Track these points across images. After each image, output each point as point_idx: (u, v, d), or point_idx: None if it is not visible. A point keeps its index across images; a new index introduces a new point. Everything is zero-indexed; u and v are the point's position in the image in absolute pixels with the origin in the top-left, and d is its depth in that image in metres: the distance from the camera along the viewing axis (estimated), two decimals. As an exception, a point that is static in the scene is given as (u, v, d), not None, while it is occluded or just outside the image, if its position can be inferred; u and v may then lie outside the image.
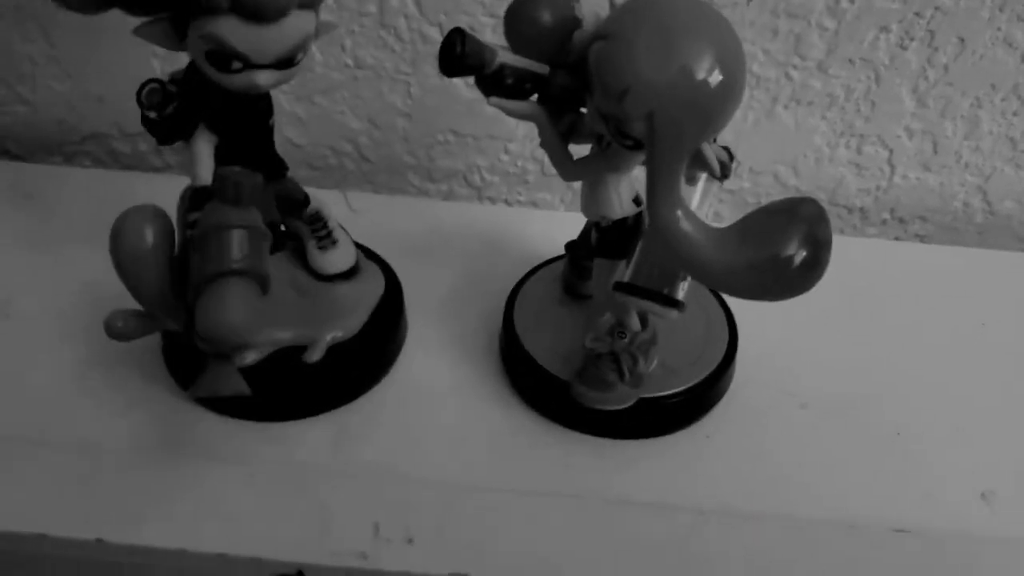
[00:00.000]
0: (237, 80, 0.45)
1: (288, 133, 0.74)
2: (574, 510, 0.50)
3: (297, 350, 0.49)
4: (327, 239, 0.57)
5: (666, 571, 0.48)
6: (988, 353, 0.62)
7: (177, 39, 0.45)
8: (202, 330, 0.43)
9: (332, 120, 0.74)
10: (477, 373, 0.58)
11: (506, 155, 0.75)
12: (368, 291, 0.58)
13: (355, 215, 0.69)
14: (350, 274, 0.58)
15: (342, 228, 0.59)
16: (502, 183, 0.77)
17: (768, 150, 0.73)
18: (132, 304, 0.46)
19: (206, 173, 0.48)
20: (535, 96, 0.47)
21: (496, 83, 0.45)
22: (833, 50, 0.68)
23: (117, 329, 0.46)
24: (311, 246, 0.57)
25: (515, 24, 0.46)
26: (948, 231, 0.78)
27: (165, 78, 0.48)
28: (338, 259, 0.58)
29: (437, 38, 0.68)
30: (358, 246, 0.60)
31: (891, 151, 0.73)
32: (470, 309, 0.62)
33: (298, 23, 0.45)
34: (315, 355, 0.49)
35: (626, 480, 0.52)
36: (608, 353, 0.52)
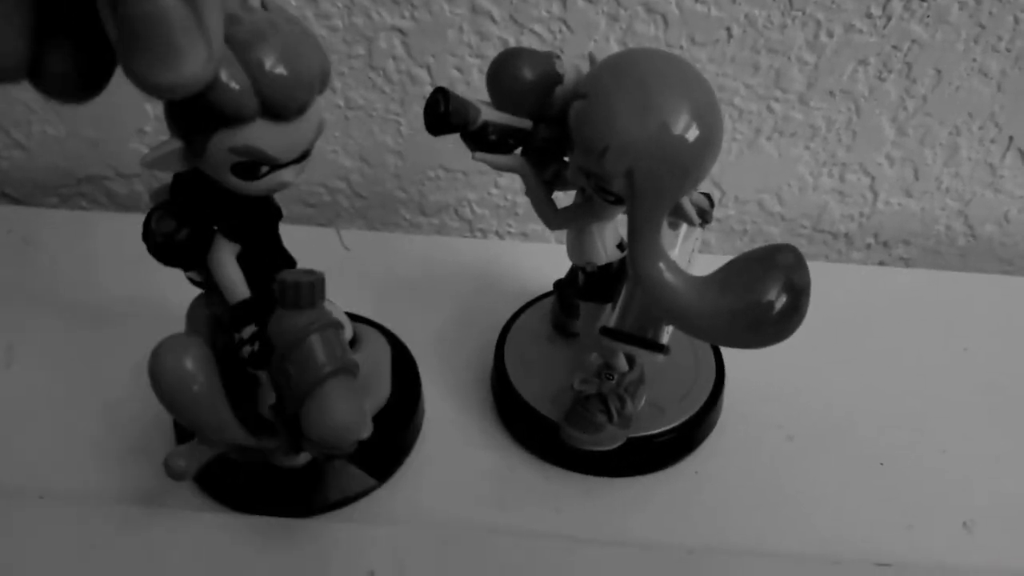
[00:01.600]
0: (263, 184, 0.43)
1: (281, 172, 0.75)
2: (565, 551, 0.51)
3: None
4: None
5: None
6: (971, 378, 0.63)
7: (193, 159, 0.42)
8: (318, 440, 0.43)
9: (325, 159, 0.75)
10: (470, 411, 0.59)
11: (496, 189, 0.76)
12: (378, 359, 0.58)
13: (348, 253, 0.70)
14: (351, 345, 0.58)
15: (333, 304, 0.59)
16: (492, 216, 0.78)
17: (753, 180, 0.75)
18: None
19: (243, 286, 0.46)
20: (519, 149, 0.48)
21: (480, 139, 0.46)
22: (813, 83, 0.69)
23: (180, 469, 0.46)
24: None
25: (498, 81, 0.47)
26: (931, 254, 0.79)
27: (151, 203, 0.46)
28: None
29: (425, 79, 0.69)
30: (349, 315, 0.60)
31: (873, 178, 0.74)
32: (462, 345, 0.63)
33: (316, 110, 0.43)
34: (366, 431, 0.50)
35: (615, 520, 0.53)
36: (596, 394, 0.53)
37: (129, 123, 0.74)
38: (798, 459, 0.57)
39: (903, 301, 0.69)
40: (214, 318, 0.49)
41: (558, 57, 0.46)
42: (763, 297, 0.42)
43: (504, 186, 0.76)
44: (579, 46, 0.67)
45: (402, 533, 0.51)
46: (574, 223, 0.50)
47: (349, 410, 0.44)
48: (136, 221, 0.70)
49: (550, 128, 0.47)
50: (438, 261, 0.70)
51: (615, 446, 0.53)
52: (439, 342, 0.63)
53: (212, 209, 0.44)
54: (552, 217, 0.50)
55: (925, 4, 0.65)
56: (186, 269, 0.47)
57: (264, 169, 0.42)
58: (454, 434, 0.58)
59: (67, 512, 0.51)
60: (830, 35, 0.66)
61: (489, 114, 0.46)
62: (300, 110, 0.41)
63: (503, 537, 0.51)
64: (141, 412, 0.57)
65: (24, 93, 0.72)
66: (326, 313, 0.44)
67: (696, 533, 0.53)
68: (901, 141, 0.72)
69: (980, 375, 0.63)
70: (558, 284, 0.59)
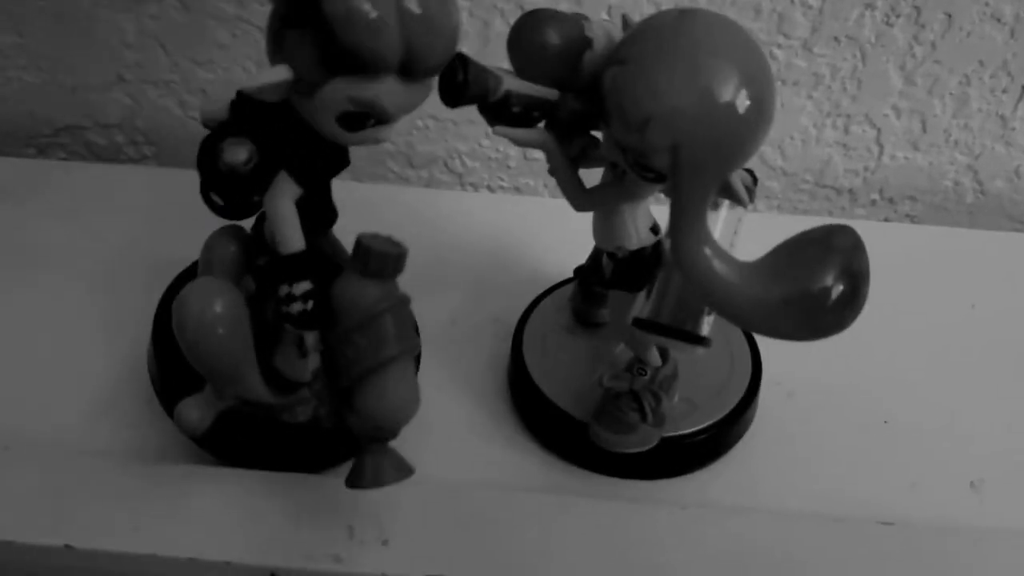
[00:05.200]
0: (358, 136, 0.40)
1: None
2: (556, 506, 0.49)
3: None
4: None
5: (646, 552, 0.47)
6: (978, 336, 0.61)
7: (294, 94, 0.39)
8: (373, 423, 0.42)
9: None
10: (475, 396, 0.56)
11: (487, 140, 0.74)
12: None
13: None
14: None
15: None
16: (483, 169, 0.75)
17: (754, 131, 0.72)
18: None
19: (300, 236, 0.42)
20: (543, 122, 0.44)
21: (502, 111, 0.43)
22: (818, 28, 0.66)
23: (194, 422, 0.44)
24: None
25: (520, 47, 0.43)
26: (938, 211, 0.77)
27: (204, 121, 0.42)
28: None
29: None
30: None
31: (879, 130, 0.72)
32: (459, 315, 0.60)
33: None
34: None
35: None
36: (628, 392, 0.49)
37: (108, 70, 0.72)
38: (799, 416, 0.55)
39: (909, 258, 0.66)
40: (242, 258, 0.45)
41: (587, 19, 0.43)
42: (818, 284, 0.38)
43: (495, 137, 0.73)
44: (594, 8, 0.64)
45: (384, 492, 0.49)
46: (604, 203, 0.47)
47: (407, 396, 0.42)
48: (116, 172, 0.68)
49: (578, 99, 0.43)
50: (428, 216, 0.67)
51: (648, 447, 0.50)
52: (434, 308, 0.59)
53: (288, 148, 0.41)
54: (580, 197, 0.46)
55: (936, -56, 0.62)
56: (232, 203, 0.42)
57: (371, 122, 0.40)
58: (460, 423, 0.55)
59: (31, 462, 0.49)
60: (836, -23, 0.64)
61: (511, 83, 0.42)
62: (436, 71, 0.39)
63: (486, 492, 0.49)
64: (115, 365, 0.55)
65: (-2, 37, 0.70)
66: (398, 291, 0.42)
67: (693, 487, 0.51)
68: (909, 91, 0.69)
69: (987, 333, 0.61)
70: (579, 271, 0.55)
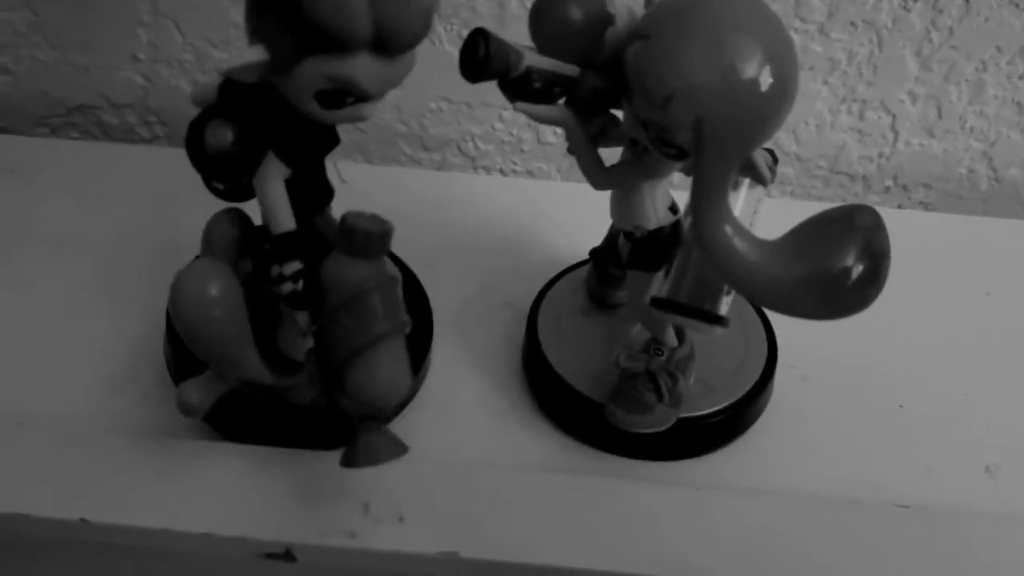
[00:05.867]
0: (340, 115, 0.40)
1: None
2: (569, 487, 0.49)
3: None
4: None
5: (659, 532, 0.47)
6: (993, 323, 0.61)
7: (272, 74, 0.38)
8: (363, 402, 0.42)
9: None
10: (497, 385, 0.55)
11: (500, 123, 0.73)
12: None
13: (345, 186, 0.67)
14: None
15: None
16: (496, 152, 0.75)
17: (768, 117, 0.72)
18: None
19: (290, 216, 0.42)
20: (563, 99, 0.44)
21: (523, 88, 0.42)
22: (834, 13, 0.66)
23: (193, 404, 0.44)
24: None
25: (542, 23, 0.42)
26: (952, 199, 0.76)
27: (194, 102, 0.42)
28: None
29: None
30: None
31: (894, 116, 0.71)
32: (472, 297, 0.60)
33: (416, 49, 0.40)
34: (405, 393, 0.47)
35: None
36: (645, 372, 0.49)
37: (122, 49, 0.71)
38: (814, 399, 0.55)
39: (923, 244, 0.66)
40: (241, 240, 0.45)
41: None
42: (840, 263, 0.38)
43: (509, 120, 0.73)
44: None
45: (398, 467, 0.49)
46: (624, 181, 0.46)
47: (397, 374, 0.42)
48: (129, 153, 0.68)
49: (599, 76, 0.43)
50: (440, 199, 0.67)
51: (665, 427, 0.50)
52: (446, 291, 0.59)
53: (272, 128, 0.40)
54: (600, 175, 0.45)
55: (955, -72, 0.62)
56: (230, 187, 0.43)
57: (350, 100, 0.39)
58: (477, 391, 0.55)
59: (46, 437, 0.49)
60: (854, -39, 0.63)
61: (532, 59, 0.42)
62: (410, 46, 0.38)
63: (500, 471, 0.49)
64: (127, 344, 0.55)
65: (11, 14, 0.70)
66: (386, 268, 0.41)
67: (707, 469, 0.51)
68: (925, 76, 0.69)
69: (1002, 320, 0.61)
70: (594, 252, 0.55)
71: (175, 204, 0.62)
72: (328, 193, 0.46)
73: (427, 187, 0.68)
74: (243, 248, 0.45)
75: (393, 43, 0.37)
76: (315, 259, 0.42)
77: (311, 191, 0.44)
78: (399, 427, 0.52)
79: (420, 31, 0.38)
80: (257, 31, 0.38)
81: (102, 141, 0.76)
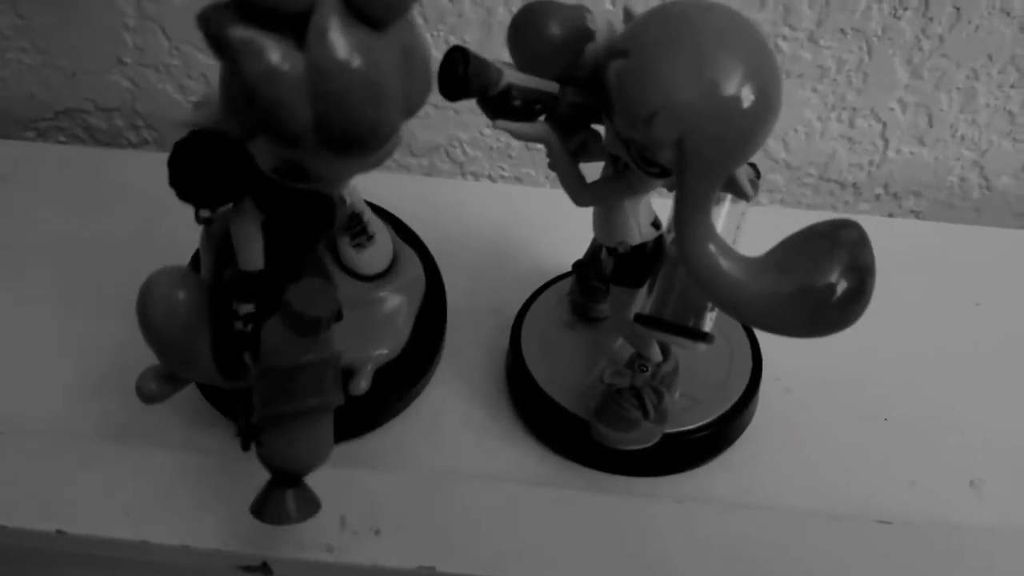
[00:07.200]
0: (303, 186, 0.40)
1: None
2: (553, 499, 0.48)
3: None
4: (362, 235, 0.52)
5: (641, 545, 0.47)
6: (981, 334, 0.60)
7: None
8: (274, 468, 0.41)
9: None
10: (479, 395, 0.55)
11: (488, 129, 0.73)
12: (410, 289, 0.54)
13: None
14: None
15: (376, 217, 0.54)
16: (485, 158, 0.75)
17: (758, 124, 0.71)
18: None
19: (254, 258, 0.42)
20: (543, 116, 0.43)
21: (502, 105, 0.42)
22: (824, 20, 0.65)
23: (150, 392, 0.44)
24: (344, 243, 0.52)
25: (521, 39, 0.42)
26: (943, 207, 0.76)
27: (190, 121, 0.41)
28: (376, 258, 0.53)
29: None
30: (392, 220, 0.55)
31: (884, 124, 0.71)
32: (465, 303, 0.59)
33: (393, 143, 0.39)
34: (362, 385, 0.46)
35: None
36: (629, 388, 0.49)
37: (107, 53, 0.71)
38: (799, 413, 0.54)
39: (913, 254, 0.65)
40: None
41: (588, 11, 0.42)
42: (824, 279, 0.38)
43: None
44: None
45: (376, 478, 0.49)
46: (605, 198, 0.46)
47: (315, 449, 0.41)
48: (116, 157, 0.67)
49: (579, 92, 0.42)
50: (428, 204, 0.66)
51: (651, 444, 0.49)
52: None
53: (248, 178, 0.40)
54: (581, 192, 0.45)
55: (945, -64, 0.61)
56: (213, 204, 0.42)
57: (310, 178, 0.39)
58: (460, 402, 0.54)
59: (24, 446, 0.49)
60: (843, -32, 0.63)
61: (512, 76, 0.41)
62: (359, 148, 0.38)
63: (480, 483, 0.49)
64: (110, 351, 0.55)
65: (-4, 17, 0.70)
66: (329, 347, 0.40)
67: (692, 483, 0.50)
68: (915, 84, 0.68)
69: (991, 331, 0.61)
70: (577, 265, 0.55)
71: (162, 208, 0.61)
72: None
73: (415, 192, 0.67)
74: None
75: (336, 143, 0.37)
76: (267, 306, 0.42)
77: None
78: (381, 436, 0.52)
79: (367, 137, 0.37)
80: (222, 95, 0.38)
81: (89, 145, 0.76)
